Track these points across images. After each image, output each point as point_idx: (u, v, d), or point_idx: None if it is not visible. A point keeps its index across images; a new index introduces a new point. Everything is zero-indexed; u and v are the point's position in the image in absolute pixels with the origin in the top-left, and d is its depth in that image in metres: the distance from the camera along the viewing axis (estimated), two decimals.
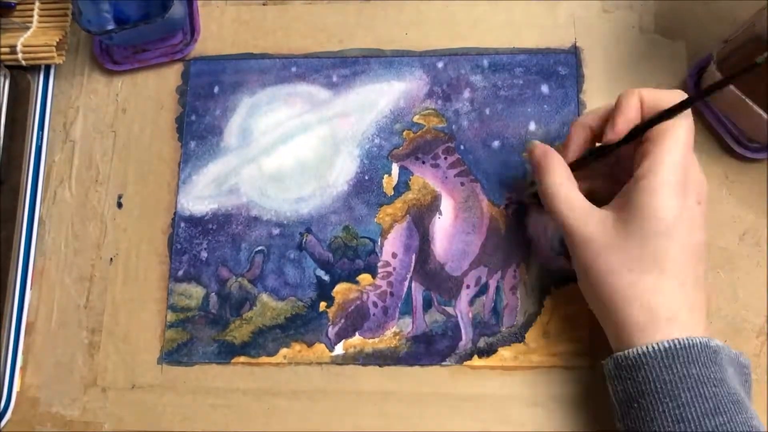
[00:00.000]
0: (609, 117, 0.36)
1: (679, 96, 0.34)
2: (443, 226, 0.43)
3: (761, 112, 0.37)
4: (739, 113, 0.40)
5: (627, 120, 0.35)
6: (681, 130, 0.33)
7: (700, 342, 0.32)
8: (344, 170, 0.44)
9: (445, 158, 0.44)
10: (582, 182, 0.37)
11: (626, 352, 0.32)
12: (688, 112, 0.33)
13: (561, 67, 0.44)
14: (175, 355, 0.42)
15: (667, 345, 0.32)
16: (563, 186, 0.36)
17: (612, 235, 0.33)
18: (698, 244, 0.34)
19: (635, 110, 0.35)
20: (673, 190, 0.33)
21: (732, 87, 0.38)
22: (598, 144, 0.37)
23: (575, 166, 0.37)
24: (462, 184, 0.43)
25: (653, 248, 0.33)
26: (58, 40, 0.46)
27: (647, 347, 0.32)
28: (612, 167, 0.38)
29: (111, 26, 0.46)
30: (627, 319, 0.33)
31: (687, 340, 0.32)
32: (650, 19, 0.44)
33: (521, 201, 0.42)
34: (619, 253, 0.33)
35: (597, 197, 0.36)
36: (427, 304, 0.41)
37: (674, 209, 0.32)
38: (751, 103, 0.38)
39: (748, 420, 0.31)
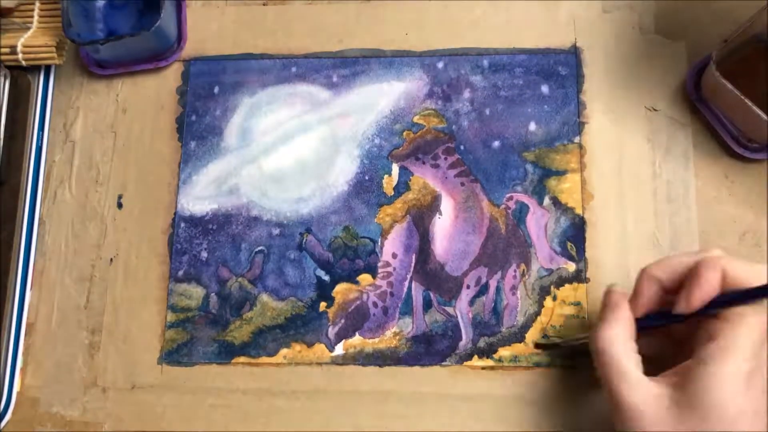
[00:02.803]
0: (682, 276, 0.33)
1: (765, 274, 0.31)
2: (443, 227, 0.43)
3: (760, 113, 0.37)
4: (738, 113, 0.40)
5: (704, 295, 0.32)
6: (757, 316, 0.31)
7: None
8: (344, 170, 0.44)
9: (445, 158, 0.44)
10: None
11: None
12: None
13: (561, 67, 0.44)
14: (175, 355, 0.42)
15: None
16: (619, 345, 0.33)
17: (666, 417, 0.31)
18: None
19: (715, 284, 0.32)
20: (739, 383, 0.30)
21: (732, 87, 0.38)
22: (664, 306, 0.34)
23: (639, 327, 0.34)
24: (462, 184, 0.43)
25: None
26: (58, 40, 0.46)
27: None
28: (668, 329, 0.36)
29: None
30: None
31: None
32: (650, 19, 0.44)
33: (567, 344, 0.40)
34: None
35: (645, 358, 0.34)
36: (427, 305, 0.41)
37: (738, 404, 0.30)
38: (750, 103, 0.38)
39: None
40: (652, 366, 0.33)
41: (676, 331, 0.35)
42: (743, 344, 0.30)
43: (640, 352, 0.33)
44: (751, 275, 0.31)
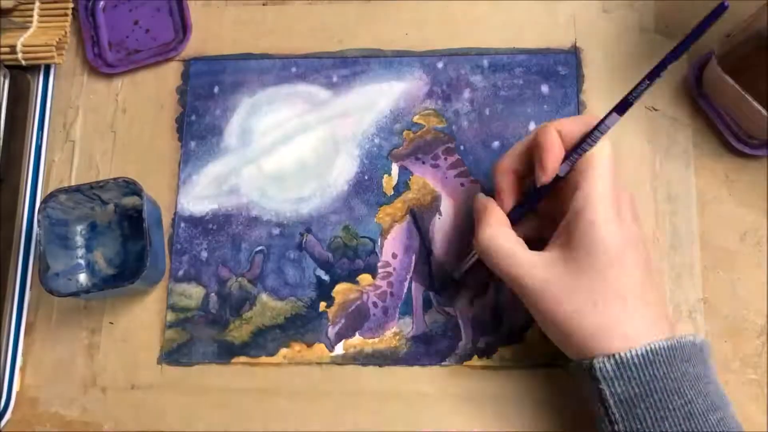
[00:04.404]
0: (528, 156, 0.36)
1: (590, 120, 0.34)
2: (443, 227, 0.43)
3: (761, 108, 0.37)
4: (739, 109, 0.40)
5: (555, 157, 0.35)
6: (603, 156, 0.34)
7: (691, 341, 0.33)
8: (344, 170, 0.44)
9: (445, 158, 0.44)
10: (517, 230, 0.36)
11: (631, 351, 0.32)
12: (606, 137, 0.34)
13: (561, 67, 0.44)
14: (174, 355, 0.42)
15: (669, 343, 0.32)
16: (498, 237, 0.35)
17: (565, 277, 0.33)
18: (646, 260, 0.34)
19: (558, 145, 0.35)
20: (611, 219, 0.33)
21: (733, 83, 0.38)
22: (533, 187, 0.36)
23: (515, 216, 0.37)
24: (462, 184, 0.43)
25: (610, 280, 0.33)
26: (58, 40, 0.46)
27: (654, 345, 0.32)
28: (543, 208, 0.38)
29: (83, 272, 0.43)
30: (587, 328, 0.33)
31: (682, 338, 0.32)
32: (650, 19, 0.44)
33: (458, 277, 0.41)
34: (579, 294, 0.33)
35: (534, 242, 0.36)
36: (427, 305, 0.41)
37: (617, 237, 0.33)
38: (751, 99, 0.38)
39: (734, 413, 0.33)
40: (542, 245, 0.35)
41: (550, 210, 0.37)
42: (602, 183, 0.33)
43: (526, 238, 0.36)
44: (579, 125, 0.34)
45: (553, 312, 0.34)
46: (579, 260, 0.33)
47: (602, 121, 0.33)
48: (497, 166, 0.38)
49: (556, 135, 0.35)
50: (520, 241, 0.36)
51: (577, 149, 0.34)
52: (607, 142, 0.34)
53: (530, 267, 0.34)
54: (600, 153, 0.34)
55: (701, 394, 0.32)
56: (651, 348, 0.32)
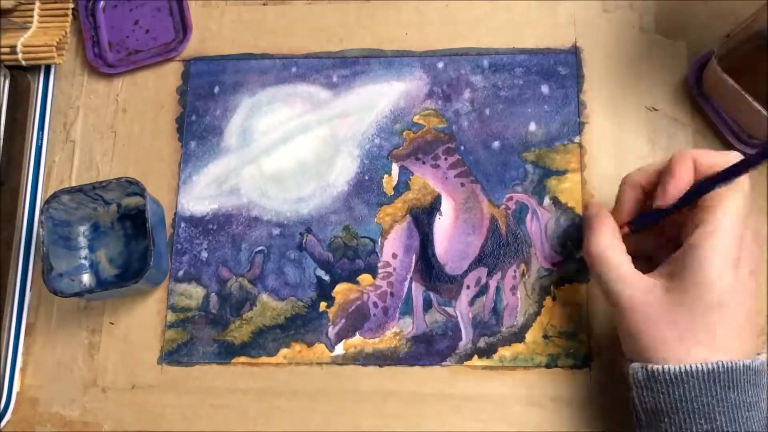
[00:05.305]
0: (660, 176, 0.35)
1: (734, 158, 0.33)
2: (443, 227, 0.43)
3: (761, 108, 0.37)
4: (739, 109, 0.40)
5: (679, 186, 0.34)
6: (736, 198, 0.32)
7: (744, 364, 0.32)
8: (344, 170, 0.44)
9: (446, 159, 0.44)
10: (629, 243, 0.36)
11: (665, 366, 0.32)
12: (745, 179, 0.33)
13: (561, 67, 0.44)
14: (175, 355, 0.42)
15: (710, 367, 0.31)
16: (609, 249, 0.35)
17: (662, 305, 0.33)
18: (749, 313, 0.33)
19: (688, 175, 0.34)
20: (727, 261, 0.32)
21: (732, 83, 0.38)
22: (651, 208, 0.36)
23: (629, 230, 0.37)
24: (462, 184, 0.43)
25: (705, 321, 0.32)
26: (58, 40, 0.46)
27: (689, 366, 0.31)
28: (660, 229, 0.37)
29: (86, 272, 0.43)
30: (653, 359, 0.33)
31: (730, 363, 0.31)
32: (650, 19, 0.44)
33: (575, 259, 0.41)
34: (669, 325, 0.32)
35: (642, 259, 0.36)
36: (427, 305, 0.41)
37: (728, 281, 0.32)
38: (751, 99, 0.38)
39: None
40: (651, 266, 0.35)
41: (667, 231, 0.36)
42: (727, 224, 0.32)
43: (637, 253, 0.36)
44: (720, 160, 0.33)
45: (637, 334, 0.33)
46: (680, 293, 0.32)
47: (745, 162, 0.32)
48: (626, 178, 0.37)
49: (690, 164, 0.34)
50: (628, 257, 0.35)
51: (710, 183, 0.33)
52: (746, 183, 0.33)
53: (632, 284, 0.34)
54: (732, 192, 0.33)
55: (734, 422, 0.31)
56: (686, 370, 0.31)
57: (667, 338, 0.32)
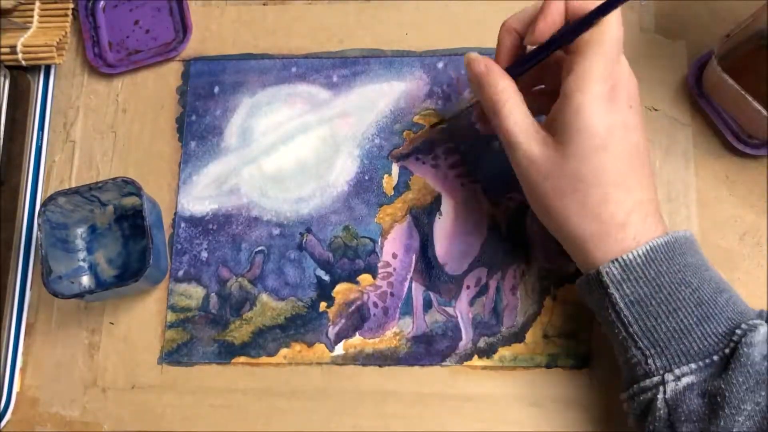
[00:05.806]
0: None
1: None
2: (443, 227, 0.43)
3: (761, 108, 0.38)
4: (739, 109, 0.40)
5: (548, 23, 0.33)
6: (605, 39, 0.32)
7: (683, 235, 0.34)
8: (344, 170, 0.44)
9: (445, 158, 0.44)
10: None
11: (632, 252, 0.32)
12: (619, 21, 0.32)
13: None
14: (175, 355, 0.42)
15: (665, 239, 0.33)
16: (510, 102, 0.34)
17: (553, 158, 0.33)
18: (636, 146, 0.33)
19: (558, 14, 0.33)
20: (601, 103, 0.32)
21: (732, 82, 0.38)
22: (527, 51, 0.36)
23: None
24: (462, 184, 0.43)
25: (593, 164, 0.33)
26: (58, 40, 0.46)
27: (650, 244, 0.32)
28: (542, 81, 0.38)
29: (86, 275, 0.43)
30: (583, 233, 0.34)
31: (675, 233, 0.33)
32: (650, 19, 0.44)
33: (447, 119, 0.42)
34: (563, 176, 0.33)
35: (532, 112, 0.35)
36: (428, 305, 0.41)
37: (605, 122, 0.32)
38: (751, 98, 0.38)
39: (738, 294, 0.34)
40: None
41: (548, 85, 0.37)
42: (596, 68, 0.32)
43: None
44: (591, 4, 0.33)
45: (537, 188, 0.34)
46: (565, 144, 0.33)
47: (609, 2, 0.31)
48: (503, 24, 0.37)
49: (562, 5, 0.33)
50: (527, 110, 0.35)
51: (581, 24, 0.32)
52: (617, 23, 0.33)
53: (530, 136, 0.34)
54: (601, 34, 0.32)
55: (705, 281, 0.33)
56: (651, 246, 0.32)
57: (563, 189, 0.33)
